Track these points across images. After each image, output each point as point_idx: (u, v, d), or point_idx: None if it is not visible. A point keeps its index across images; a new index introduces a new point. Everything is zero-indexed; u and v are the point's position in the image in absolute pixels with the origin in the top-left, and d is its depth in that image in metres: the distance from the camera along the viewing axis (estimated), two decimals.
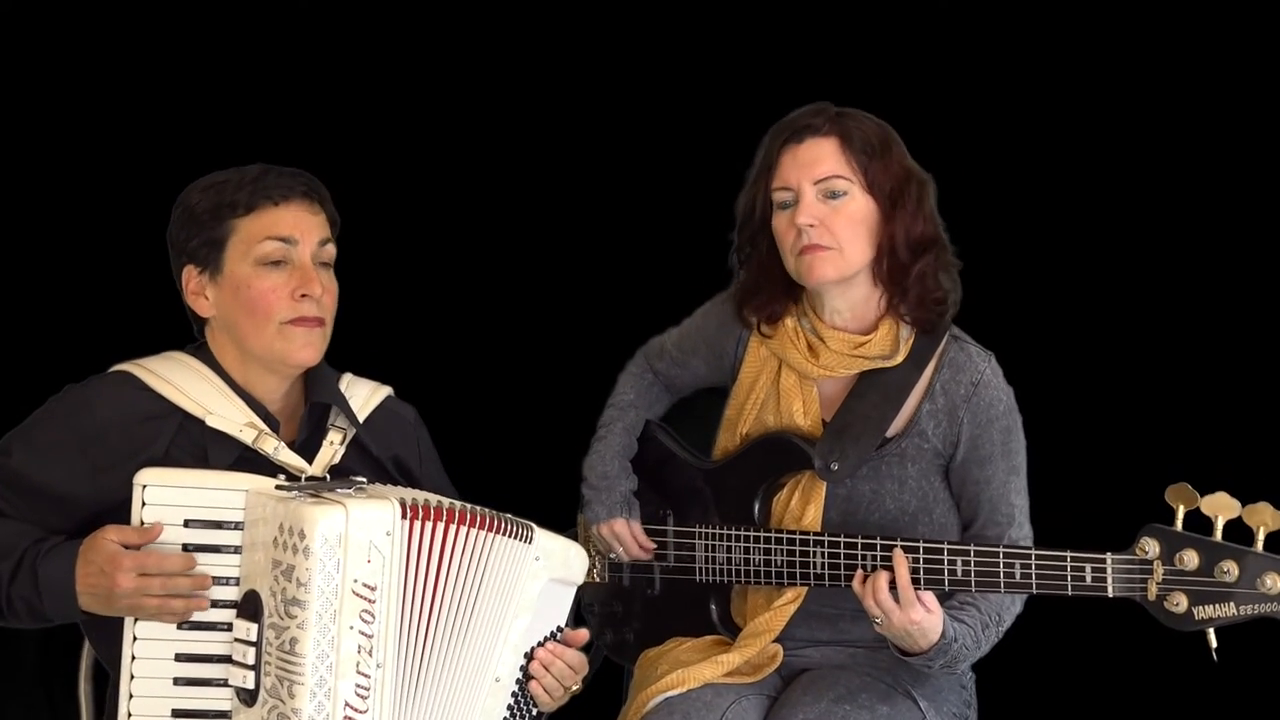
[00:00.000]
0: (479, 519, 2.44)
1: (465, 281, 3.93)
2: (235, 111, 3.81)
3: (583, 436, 2.96)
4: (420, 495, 2.44)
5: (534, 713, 2.57)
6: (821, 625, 2.83)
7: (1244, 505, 2.42)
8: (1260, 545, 2.42)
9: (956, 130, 3.55)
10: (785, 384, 2.82)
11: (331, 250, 2.55)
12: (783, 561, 2.74)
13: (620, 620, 2.96)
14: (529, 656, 2.54)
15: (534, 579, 2.51)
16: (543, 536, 2.52)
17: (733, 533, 2.80)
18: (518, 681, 2.53)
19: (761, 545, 2.76)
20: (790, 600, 2.77)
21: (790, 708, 2.69)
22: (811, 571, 2.71)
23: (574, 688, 2.59)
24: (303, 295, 2.48)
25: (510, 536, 2.48)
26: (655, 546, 2.88)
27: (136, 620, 2.36)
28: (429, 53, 3.90)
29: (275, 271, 2.48)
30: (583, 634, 2.59)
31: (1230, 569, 2.43)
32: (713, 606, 2.85)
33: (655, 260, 3.76)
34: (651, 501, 2.93)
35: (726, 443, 2.90)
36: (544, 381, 3.86)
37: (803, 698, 2.70)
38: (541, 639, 2.54)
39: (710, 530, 2.83)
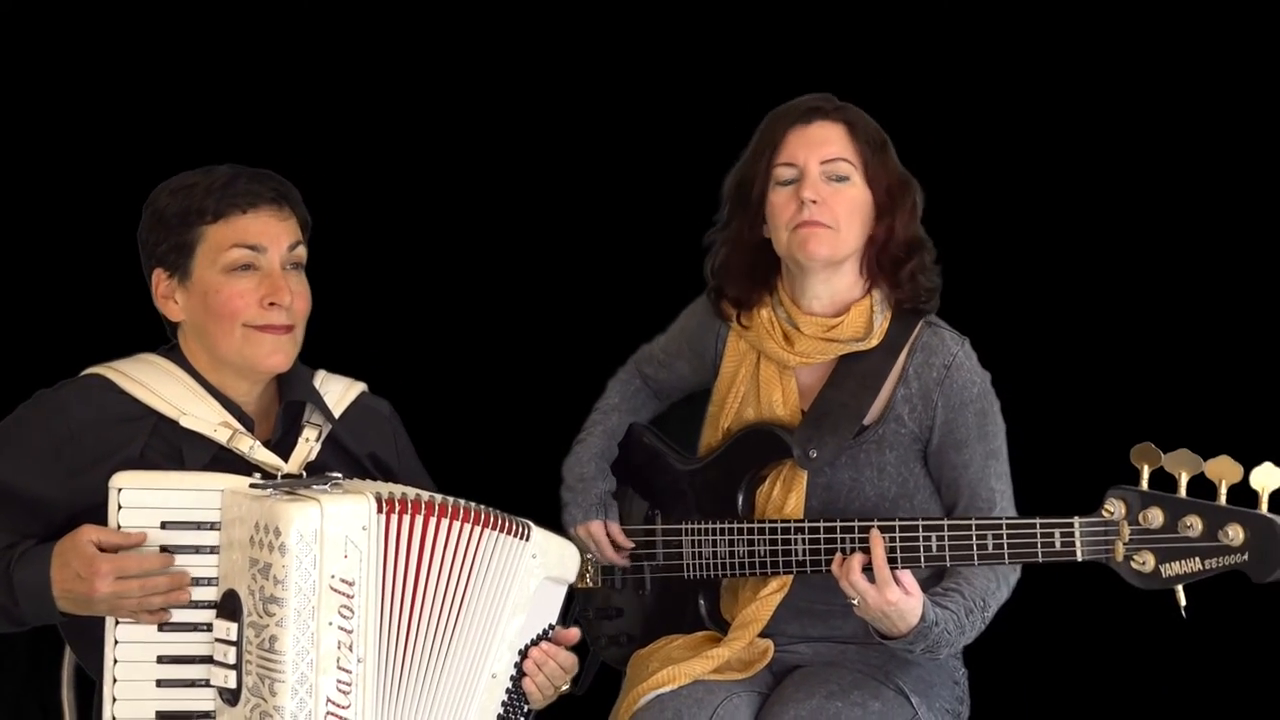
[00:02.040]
0: (469, 514, 2.45)
1: (453, 281, 3.91)
2: (207, 111, 3.79)
3: (569, 437, 2.99)
4: (398, 489, 2.45)
5: (525, 709, 2.58)
6: (813, 622, 2.83)
7: (1205, 460, 2.42)
8: (1223, 498, 2.42)
9: (927, 117, 3.57)
10: (764, 375, 2.84)
11: (302, 253, 2.55)
12: (766, 551, 2.75)
13: (613, 623, 2.97)
14: (523, 654, 2.55)
15: (530, 576, 2.53)
16: (539, 534, 2.55)
17: (715, 526, 2.81)
18: (512, 679, 2.55)
19: (744, 537, 2.77)
20: (776, 590, 2.78)
21: (782, 704, 2.69)
22: (794, 559, 2.71)
23: (563, 687, 2.60)
24: (271, 303, 2.49)
25: (507, 533, 2.49)
26: (634, 546, 2.90)
27: (118, 624, 2.36)
28: (410, 49, 3.88)
29: (244, 277, 2.49)
30: (573, 633, 2.60)
31: (1193, 524, 2.43)
32: (701, 602, 2.87)
33: (642, 261, 3.76)
34: (639, 502, 2.95)
35: (710, 439, 2.92)
36: (532, 382, 3.86)
37: (794, 694, 2.70)
38: (535, 637, 2.56)
39: (694, 526, 2.84)
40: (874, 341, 2.76)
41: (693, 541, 2.84)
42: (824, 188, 2.71)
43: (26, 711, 3.63)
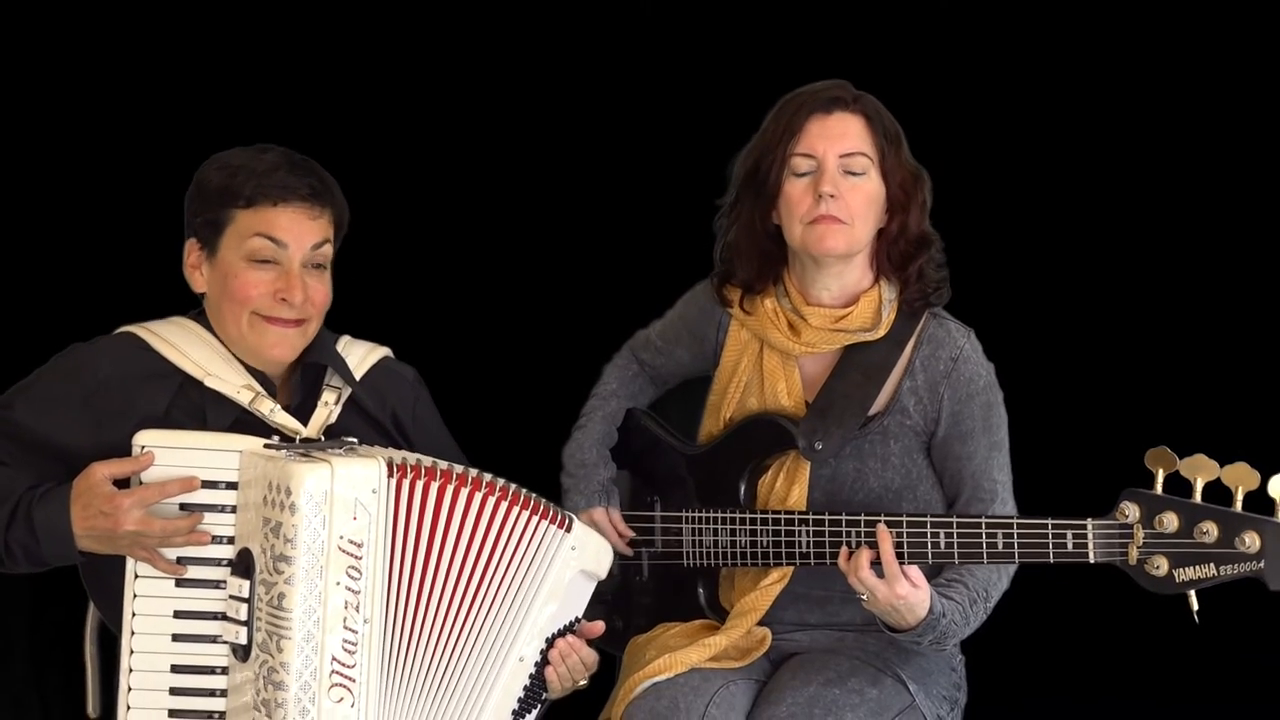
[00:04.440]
0: (495, 488, 2.48)
1: (459, 266, 3.94)
2: (241, 92, 3.84)
3: (565, 424, 2.98)
4: (413, 456, 2.46)
5: (544, 697, 2.60)
6: (811, 608, 2.83)
7: (1222, 466, 2.43)
8: (1239, 505, 2.42)
9: (933, 108, 3.57)
10: (768, 365, 2.83)
11: (327, 252, 2.57)
12: (768, 542, 2.74)
13: (609, 607, 2.95)
14: (549, 642, 2.57)
15: (567, 567, 2.56)
16: (580, 527, 2.58)
17: (718, 515, 2.80)
18: (536, 665, 2.57)
19: (747, 527, 2.77)
20: (776, 580, 2.78)
21: (779, 691, 2.69)
22: (797, 551, 2.71)
23: (581, 682, 2.62)
24: (283, 299, 2.52)
25: (549, 520, 2.53)
26: (634, 534, 2.90)
27: (137, 578, 2.40)
28: (429, 38, 3.93)
29: (261, 269, 2.52)
30: (598, 626, 2.63)
31: (1209, 530, 2.43)
32: (700, 590, 2.86)
33: (646, 247, 3.78)
34: (638, 488, 2.95)
35: (711, 427, 2.91)
36: (533, 368, 3.88)
37: (791, 681, 2.71)
38: (562, 627, 2.58)
39: (696, 514, 2.83)
40: (881, 332, 2.76)
41: (693, 529, 2.84)
42: (841, 182, 2.70)
43: (26, 703, 3.64)
